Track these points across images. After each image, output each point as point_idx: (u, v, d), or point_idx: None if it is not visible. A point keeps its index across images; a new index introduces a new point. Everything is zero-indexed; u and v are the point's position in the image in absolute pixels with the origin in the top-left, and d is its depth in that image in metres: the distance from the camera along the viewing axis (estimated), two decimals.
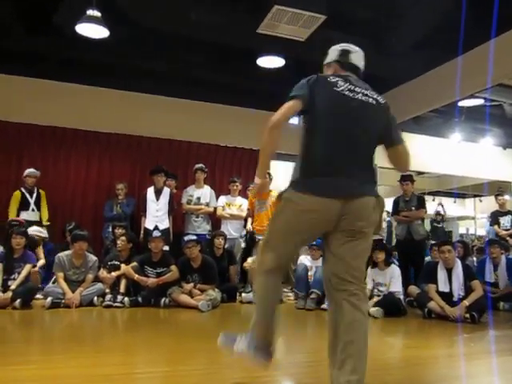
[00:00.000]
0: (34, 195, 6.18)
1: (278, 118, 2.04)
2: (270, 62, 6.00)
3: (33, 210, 6.14)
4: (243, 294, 5.61)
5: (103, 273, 5.30)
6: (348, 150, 2.01)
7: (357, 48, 2.33)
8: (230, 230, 6.37)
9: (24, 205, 6.10)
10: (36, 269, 5.05)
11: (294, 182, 2.08)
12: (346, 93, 2.07)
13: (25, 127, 6.84)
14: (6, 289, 4.69)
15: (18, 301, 4.56)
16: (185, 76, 6.72)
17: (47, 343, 3.40)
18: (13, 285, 4.72)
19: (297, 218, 2.02)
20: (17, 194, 6.12)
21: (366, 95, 2.11)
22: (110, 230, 6.25)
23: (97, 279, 5.20)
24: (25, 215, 6.03)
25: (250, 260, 5.81)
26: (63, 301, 4.79)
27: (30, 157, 6.79)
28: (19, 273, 4.87)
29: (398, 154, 2.16)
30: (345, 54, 2.30)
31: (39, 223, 6.10)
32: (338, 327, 1.99)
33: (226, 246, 5.97)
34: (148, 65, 6.41)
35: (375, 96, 2.14)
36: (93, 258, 5.29)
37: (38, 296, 5.06)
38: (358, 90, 2.10)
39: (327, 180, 1.98)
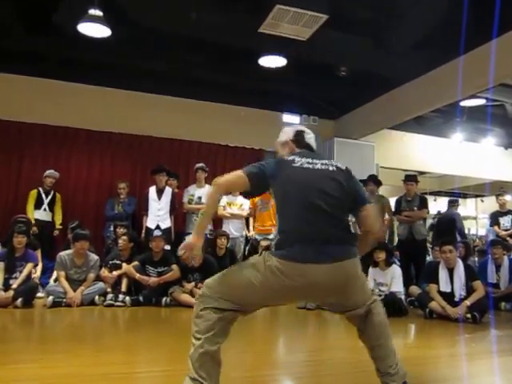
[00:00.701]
0: (50, 196, 6.29)
1: (223, 184, 2.10)
2: (272, 61, 5.99)
3: (45, 209, 6.22)
4: None
5: (104, 272, 5.31)
6: (318, 219, 2.03)
7: (310, 131, 2.43)
8: (231, 229, 6.38)
9: (38, 204, 6.19)
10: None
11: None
12: (305, 165, 2.13)
13: (26, 126, 6.85)
14: (7, 288, 4.69)
15: (20, 300, 4.57)
16: (185, 76, 6.72)
17: (48, 342, 3.40)
18: (14, 284, 4.73)
19: None
20: (33, 193, 6.23)
21: (325, 164, 2.16)
22: (112, 229, 6.25)
23: (98, 278, 5.21)
24: (37, 214, 6.10)
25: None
26: (65, 300, 4.80)
27: (31, 156, 6.81)
28: (21, 272, 4.87)
29: (367, 214, 2.18)
30: (300, 134, 2.38)
31: (50, 224, 6.16)
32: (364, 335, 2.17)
33: (228, 246, 5.97)
34: (149, 64, 6.40)
35: (334, 163, 2.19)
36: (94, 257, 5.30)
37: (39, 295, 5.07)
38: (316, 161, 2.16)
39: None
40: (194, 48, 5.86)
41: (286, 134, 2.41)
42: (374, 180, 6.47)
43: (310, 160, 2.15)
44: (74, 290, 4.89)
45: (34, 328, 4.09)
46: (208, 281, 2.14)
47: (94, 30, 5.01)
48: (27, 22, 5.38)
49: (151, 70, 6.55)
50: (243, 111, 7.80)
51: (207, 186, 6.58)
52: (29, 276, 4.95)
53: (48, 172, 6.34)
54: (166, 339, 3.53)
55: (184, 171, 7.35)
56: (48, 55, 6.08)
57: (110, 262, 5.41)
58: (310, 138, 2.39)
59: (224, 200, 6.51)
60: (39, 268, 5.59)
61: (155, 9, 5.05)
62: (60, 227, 6.35)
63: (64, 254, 5.17)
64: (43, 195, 6.27)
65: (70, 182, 6.97)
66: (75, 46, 5.70)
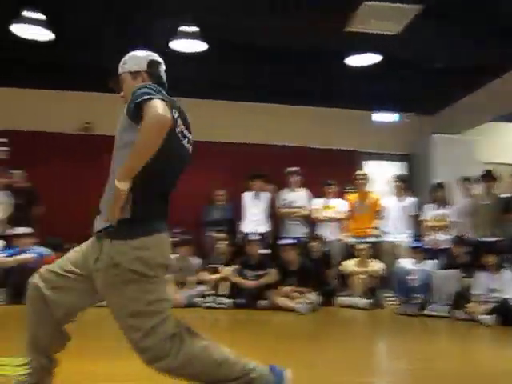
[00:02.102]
0: None
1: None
2: (360, 60, 5.85)
3: None
4: (341, 298, 5.51)
5: (205, 275, 5.55)
6: None
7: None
8: (327, 232, 6.30)
9: None
10: None
11: None
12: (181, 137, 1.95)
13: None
14: None
15: None
16: (274, 82, 6.82)
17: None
18: None
19: None
20: None
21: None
22: (211, 234, 6.52)
23: (199, 281, 5.47)
24: None
25: (347, 263, 5.70)
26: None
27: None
28: None
29: None
30: (155, 64, 2.06)
31: None
32: None
33: (323, 249, 5.91)
34: (238, 74, 6.60)
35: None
36: (195, 260, 5.57)
37: None
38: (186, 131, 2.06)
39: None
40: (279, 55, 5.91)
41: (137, 60, 2.04)
42: (490, 176, 5.97)
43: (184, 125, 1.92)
44: (178, 292, 5.19)
45: None
46: None
47: (187, 45, 5.30)
48: None
49: (242, 80, 6.74)
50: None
51: (301, 189, 6.59)
52: None
53: None
54: (265, 341, 3.58)
55: (277, 176, 7.44)
56: None
57: (210, 266, 5.65)
58: (163, 70, 2.09)
59: (319, 203, 6.45)
60: None
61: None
62: None
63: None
64: None
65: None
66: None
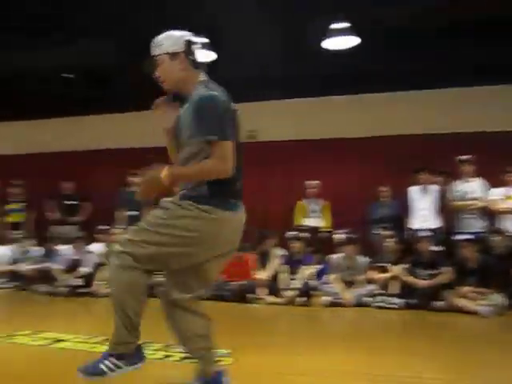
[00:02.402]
0: (317, 204, 6.87)
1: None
2: None
3: (314, 217, 6.82)
4: None
5: (373, 274, 5.42)
6: None
7: None
8: (510, 226, 5.57)
9: (307, 212, 6.86)
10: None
11: None
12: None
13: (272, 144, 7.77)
14: (290, 288, 5.31)
15: (301, 299, 5.14)
16: (435, 67, 6.31)
17: (327, 338, 3.68)
18: (296, 284, 5.32)
19: None
20: (302, 203, 6.94)
21: None
22: (377, 231, 6.34)
23: (368, 280, 5.36)
24: (307, 221, 6.78)
25: None
26: (339, 300, 5.12)
27: (301, 169, 7.67)
28: (300, 273, 5.44)
29: None
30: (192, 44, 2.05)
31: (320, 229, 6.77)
32: None
33: (507, 245, 5.24)
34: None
35: None
36: (363, 259, 5.48)
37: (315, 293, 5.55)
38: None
39: None
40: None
41: (174, 41, 2.00)
42: None
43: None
44: (348, 292, 5.17)
45: (315, 325, 4.49)
46: None
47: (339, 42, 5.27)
48: None
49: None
50: None
51: (476, 179, 5.96)
52: (307, 277, 5.48)
53: (309, 183, 6.96)
54: (441, 345, 3.34)
55: (447, 166, 6.87)
56: None
57: (378, 265, 5.49)
58: (199, 49, 2.06)
59: (500, 193, 5.76)
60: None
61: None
62: (329, 231, 6.84)
63: (336, 257, 5.53)
64: (311, 204, 6.89)
65: (333, 190, 7.45)
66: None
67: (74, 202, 7.63)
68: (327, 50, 5.42)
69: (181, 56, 2.00)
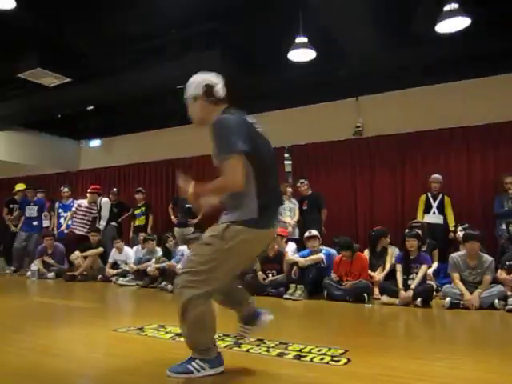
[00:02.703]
0: (438, 200, 6.56)
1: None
2: None
3: (434, 213, 6.50)
4: None
5: (502, 274, 4.95)
6: None
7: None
8: None
9: (427, 208, 6.59)
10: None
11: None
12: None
13: (404, 136, 7.39)
14: (406, 288, 5.07)
15: (419, 299, 4.86)
16: None
17: (450, 343, 3.44)
18: (412, 284, 5.06)
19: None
20: (422, 198, 6.71)
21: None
22: (504, 227, 5.79)
23: (495, 281, 4.90)
24: (427, 218, 6.45)
25: None
26: (462, 302, 4.75)
27: (412, 163, 7.29)
28: (416, 273, 5.17)
29: None
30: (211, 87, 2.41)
31: (441, 226, 6.41)
32: None
33: None
34: None
35: None
36: (488, 258, 5.02)
37: (436, 295, 5.23)
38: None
39: None
40: None
41: (194, 86, 2.41)
42: None
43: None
44: (471, 293, 4.77)
45: (435, 328, 4.23)
46: None
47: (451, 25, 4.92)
48: None
49: None
50: None
51: None
52: (424, 277, 5.19)
53: (432, 177, 6.58)
54: None
55: None
56: None
57: (507, 263, 5.00)
58: (220, 87, 2.41)
59: None
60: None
61: None
62: (452, 229, 6.40)
63: (456, 256, 5.14)
64: (431, 199, 6.53)
65: (453, 183, 6.97)
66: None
67: (190, 205, 8.11)
68: (439, 34, 5.09)
69: (201, 98, 2.39)
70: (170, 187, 9.49)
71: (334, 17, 5.20)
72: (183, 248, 6.67)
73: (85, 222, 8.33)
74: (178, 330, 3.39)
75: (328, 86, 7.23)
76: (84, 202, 8.46)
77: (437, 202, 6.51)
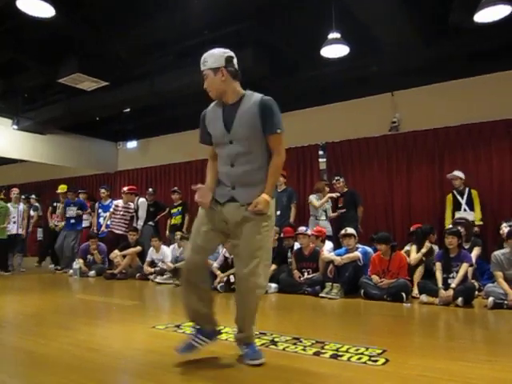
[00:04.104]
0: (465, 196, 6.40)
1: None
2: None
3: (465, 209, 6.36)
4: None
5: None
6: None
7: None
8: None
9: (456, 205, 6.45)
10: None
11: None
12: None
13: (442, 131, 7.19)
14: (446, 287, 4.93)
15: (460, 299, 4.71)
16: None
17: (494, 344, 3.32)
18: (453, 283, 4.91)
19: None
20: (449, 197, 6.58)
21: None
22: None
23: None
24: (457, 215, 6.31)
25: None
26: (506, 302, 4.58)
27: (451, 157, 7.09)
28: (457, 271, 5.01)
29: None
30: (231, 60, 2.52)
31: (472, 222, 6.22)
32: None
33: None
34: None
35: None
36: None
37: (477, 294, 5.06)
38: None
39: None
40: None
41: (216, 58, 2.46)
42: None
43: None
44: None
45: (477, 328, 4.08)
46: None
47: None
48: None
49: None
50: None
51: None
52: (466, 276, 5.03)
53: (449, 175, 6.56)
54: None
55: None
56: None
57: None
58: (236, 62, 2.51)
59: None
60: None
61: None
62: (480, 223, 6.26)
63: (499, 254, 4.96)
64: (458, 196, 6.41)
65: (495, 178, 6.74)
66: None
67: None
68: (478, 24, 4.92)
69: (223, 70, 2.44)
70: None
71: (366, 10, 5.11)
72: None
73: (123, 221, 8.53)
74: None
75: (362, 82, 7.13)
76: (121, 202, 8.67)
77: (465, 197, 6.34)
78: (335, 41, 5.51)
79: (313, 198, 7.09)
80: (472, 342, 3.46)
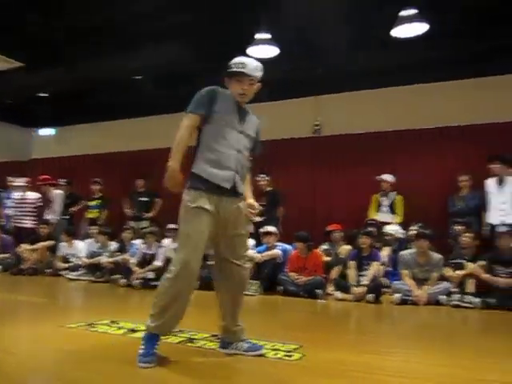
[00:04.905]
0: (389, 199, 6.81)
1: None
2: None
3: (385, 212, 6.76)
4: None
5: (448, 271, 5.16)
6: None
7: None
8: None
9: (379, 206, 6.84)
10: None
11: None
12: None
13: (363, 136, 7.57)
14: (358, 284, 5.20)
15: (371, 295, 5.00)
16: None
17: (399, 337, 3.55)
18: (364, 280, 5.20)
19: None
20: (374, 197, 6.94)
21: None
22: (454, 226, 6.05)
23: (442, 278, 5.11)
24: (379, 216, 6.66)
25: None
26: (411, 298, 4.93)
27: (372, 162, 7.51)
28: (368, 270, 5.31)
29: None
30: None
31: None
32: None
33: None
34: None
35: None
36: (437, 256, 5.23)
37: (386, 290, 5.39)
38: None
39: None
40: None
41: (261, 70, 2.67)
42: None
43: None
44: (419, 289, 4.96)
45: (385, 323, 4.36)
46: None
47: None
48: None
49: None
50: None
51: None
52: (376, 274, 5.33)
53: (380, 177, 6.85)
54: None
55: None
56: None
57: (453, 261, 5.22)
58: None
59: None
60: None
61: None
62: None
63: (407, 253, 5.33)
64: (383, 198, 6.79)
65: (410, 183, 7.19)
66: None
67: (146, 199, 7.98)
68: (396, 38, 5.24)
69: (259, 84, 2.68)
70: (126, 180, 9.29)
71: (298, 14, 5.23)
72: (138, 242, 6.55)
73: (31, 214, 7.99)
74: (131, 325, 3.34)
75: (289, 84, 7.27)
76: (31, 194, 8.11)
77: (388, 200, 6.72)
78: (264, 41, 5.58)
79: None
80: (380, 335, 3.68)
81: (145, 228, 7.08)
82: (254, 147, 2.73)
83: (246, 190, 2.72)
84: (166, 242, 6.57)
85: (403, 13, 4.93)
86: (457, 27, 5.41)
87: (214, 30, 5.83)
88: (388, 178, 6.80)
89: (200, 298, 5.00)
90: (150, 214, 7.84)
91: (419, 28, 5.05)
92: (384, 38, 5.42)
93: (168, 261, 5.99)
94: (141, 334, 2.74)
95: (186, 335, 3.11)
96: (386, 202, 6.74)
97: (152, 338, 2.45)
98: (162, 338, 2.54)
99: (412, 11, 4.90)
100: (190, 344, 2.91)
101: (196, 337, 3.08)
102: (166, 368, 2.40)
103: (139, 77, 7.22)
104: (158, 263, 6.11)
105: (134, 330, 3.22)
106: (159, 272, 5.99)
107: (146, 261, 6.18)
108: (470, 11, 5.07)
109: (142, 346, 2.43)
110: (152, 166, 8.87)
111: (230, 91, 2.63)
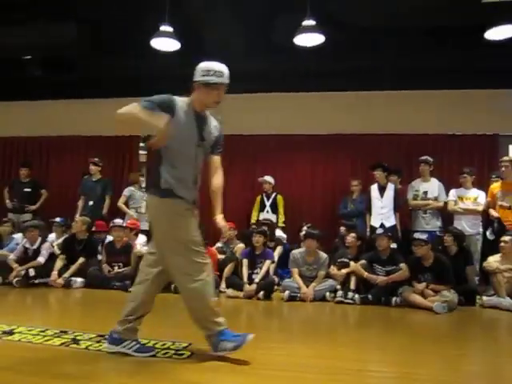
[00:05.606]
0: (271, 199, 7.06)
1: None
2: (500, 33, 5.24)
3: (267, 211, 6.99)
4: (484, 298, 5.02)
5: (333, 270, 5.50)
6: None
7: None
8: (465, 226, 5.81)
9: (262, 207, 7.07)
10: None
11: None
12: None
13: (259, 138, 7.76)
14: (251, 282, 5.33)
15: (261, 293, 5.15)
16: (401, 66, 6.50)
17: (286, 333, 3.71)
18: (256, 278, 5.34)
19: None
20: (258, 199, 7.17)
21: None
22: (341, 227, 6.49)
23: (328, 275, 5.44)
24: (261, 216, 6.91)
25: (491, 259, 5.18)
26: (299, 295, 5.17)
27: (263, 163, 7.72)
28: (261, 268, 5.46)
29: None
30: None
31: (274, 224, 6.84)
32: None
33: (461, 244, 5.44)
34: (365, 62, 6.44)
35: None
36: (323, 255, 5.54)
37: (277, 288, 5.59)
38: None
39: None
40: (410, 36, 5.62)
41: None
42: None
43: None
44: (307, 286, 5.22)
45: (274, 319, 4.53)
46: None
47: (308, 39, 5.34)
48: None
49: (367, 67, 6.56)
50: None
51: (433, 179, 6.20)
52: (268, 272, 5.51)
53: (261, 179, 7.15)
54: (397, 340, 3.44)
55: (408, 166, 7.09)
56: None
57: (338, 260, 5.58)
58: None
59: (454, 194, 6.03)
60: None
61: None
62: (283, 225, 6.99)
63: (296, 252, 5.58)
64: (265, 199, 7.09)
65: (298, 186, 7.56)
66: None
67: (30, 190, 7.37)
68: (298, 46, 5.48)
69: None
70: (5, 168, 8.46)
71: (200, 11, 5.21)
72: (19, 236, 6.02)
73: None
74: (5, 328, 3.06)
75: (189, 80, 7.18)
76: None
77: (270, 201, 7.05)
78: (167, 34, 5.47)
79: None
80: (269, 331, 3.81)
81: (27, 221, 6.51)
82: (213, 148, 2.78)
83: (218, 204, 2.97)
84: (52, 236, 6.14)
85: (304, 23, 5.16)
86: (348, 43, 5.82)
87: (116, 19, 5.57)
88: (269, 179, 7.13)
89: (86, 296, 4.73)
90: (34, 207, 7.24)
91: (316, 39, 5.32)
92: (285, 45, 5.62)
93: (53, 256, 5.65)
94: (19, 337, 2.52)
95: (70, 336, 2.93)
96: (268, 202, 7.05)
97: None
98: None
99: (311, 22, 5.14)
100: (74, 345, 2.75)
101: (81, 337, 2.91)
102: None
103: (28, 57, 6.62)
104: (41, 259, 5.67)
105: (10, 333, 2.95)
106: (41, 269, 5.58)
107: (27, 256, 5.71)
108: None
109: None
110: (37, 154, 8.26)
111: (195, 99, 2.65)
